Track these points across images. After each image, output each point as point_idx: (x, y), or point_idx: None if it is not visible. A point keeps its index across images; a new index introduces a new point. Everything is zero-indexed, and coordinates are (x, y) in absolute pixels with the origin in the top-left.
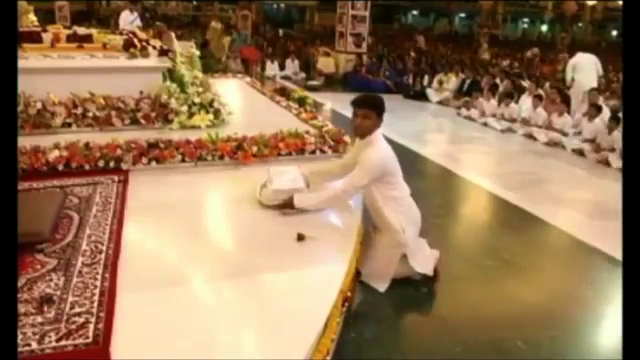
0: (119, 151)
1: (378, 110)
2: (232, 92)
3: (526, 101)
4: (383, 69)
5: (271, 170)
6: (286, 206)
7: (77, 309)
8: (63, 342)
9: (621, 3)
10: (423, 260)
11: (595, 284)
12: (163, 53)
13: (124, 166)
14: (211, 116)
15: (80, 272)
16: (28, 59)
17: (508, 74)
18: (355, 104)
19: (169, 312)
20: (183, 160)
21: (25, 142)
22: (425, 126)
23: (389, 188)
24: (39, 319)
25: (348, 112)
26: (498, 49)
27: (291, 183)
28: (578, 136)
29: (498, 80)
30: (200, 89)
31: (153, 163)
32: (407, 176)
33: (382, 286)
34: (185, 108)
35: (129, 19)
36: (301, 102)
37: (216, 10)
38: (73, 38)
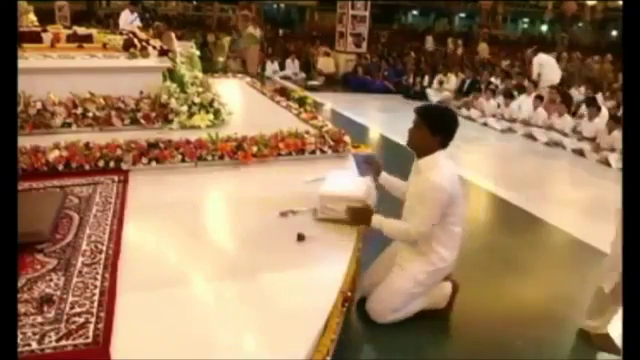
0: (119, 151)
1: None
2: (232, 92)
3: (526, 101)
4: (382, 69)
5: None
6: (358, 221)
7: (77, 309)
8: (63, 342)
9: (621, 3)
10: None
11: (595, 284)
12: (163, 53)
13: (124, 166)
14: (211, 116)
15: (80, 272)
16: (28, 59)
17: (508, 74)
18: None
19: (169, 312)
20: (183, 160)
21: (25, 142)
22: None
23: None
24: (39, 319)
25: (348, 112)
26: (498, 49)
27: (346, 190)
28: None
29: (499, 80)
30: (200, 89)
31: (153, 163)
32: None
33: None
34: (185, 108)
35: (129, 19)
36: (301, 102)
37: (216, 10)
38: (73, 38)
